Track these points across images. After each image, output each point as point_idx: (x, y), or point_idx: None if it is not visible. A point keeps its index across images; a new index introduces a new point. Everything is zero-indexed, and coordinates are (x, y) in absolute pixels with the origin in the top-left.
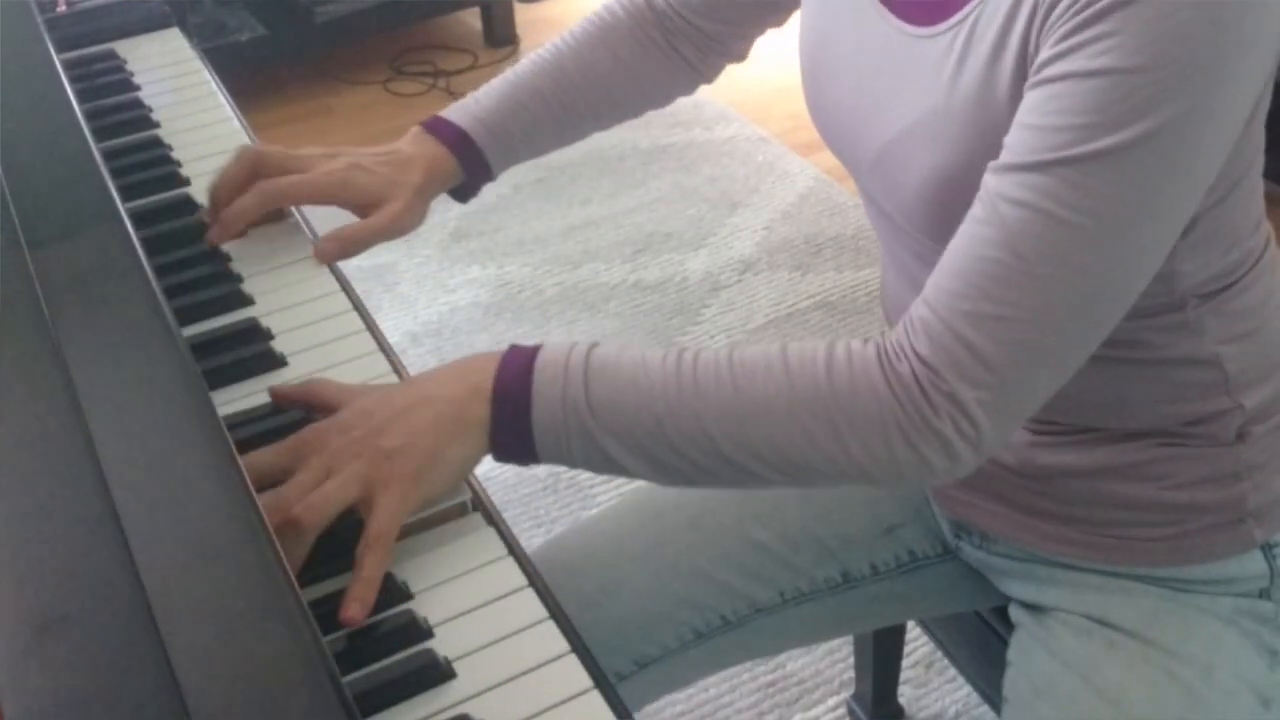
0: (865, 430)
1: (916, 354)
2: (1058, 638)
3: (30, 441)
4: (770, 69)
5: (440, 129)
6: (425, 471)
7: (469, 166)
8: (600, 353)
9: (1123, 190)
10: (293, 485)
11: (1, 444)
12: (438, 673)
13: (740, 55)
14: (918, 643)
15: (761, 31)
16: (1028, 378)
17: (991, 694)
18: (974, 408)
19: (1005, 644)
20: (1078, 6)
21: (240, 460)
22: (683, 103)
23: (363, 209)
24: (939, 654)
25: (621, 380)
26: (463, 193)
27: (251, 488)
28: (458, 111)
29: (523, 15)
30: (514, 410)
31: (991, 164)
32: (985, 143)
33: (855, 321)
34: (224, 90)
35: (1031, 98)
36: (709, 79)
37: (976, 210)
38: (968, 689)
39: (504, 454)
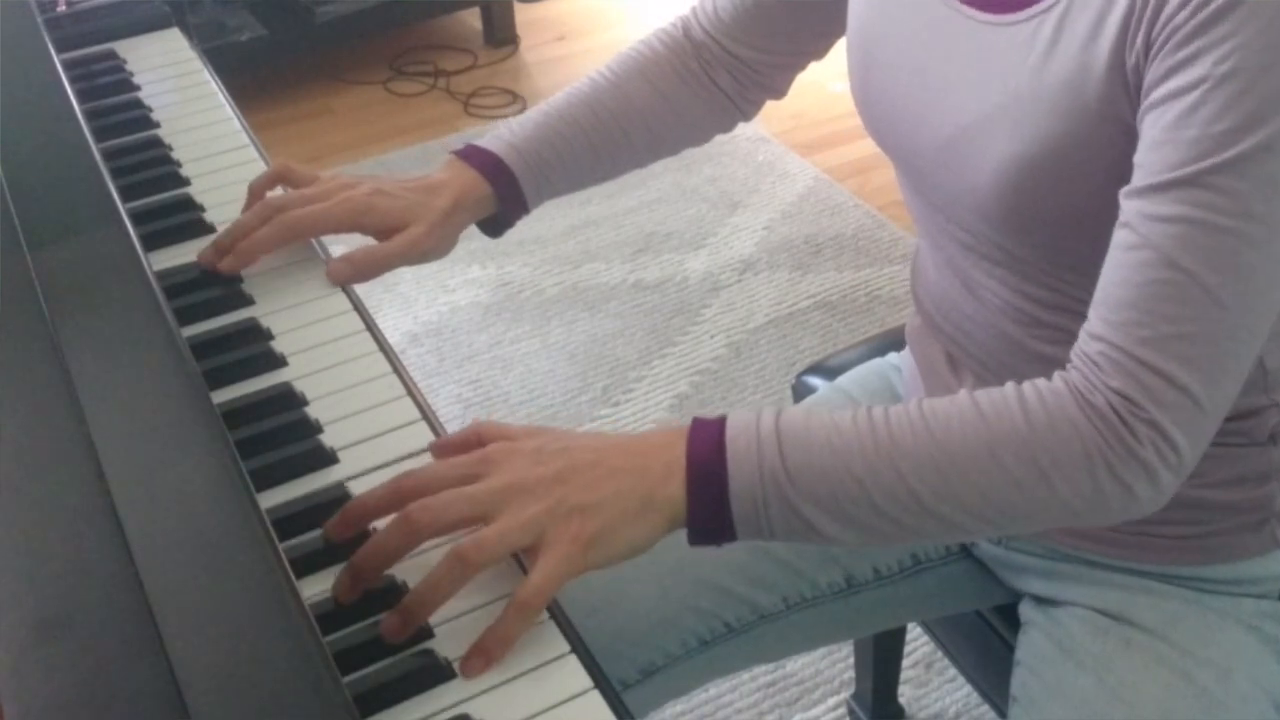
0: (1070, 467)
1: (1109, 387)
2: (1072, 635)
3: (30, 441)
4: None
5: (473, 155)
6: (601, 542)
7: (503, 194)
8: (788, 418)
9: (1273, 185)
10: (465, 496)
11: (1, 444)
12: (438, 673)
13: (779, 90)
14: (918, 643)
15: (802, 64)
16: (1218, 388)
17: (992, 694)
18: (1172, 430)
19: (1007, 643)
20: (1190, 10)
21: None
22: None
23: (385, 234)
24: (939, 654)
25: (816, 443)
26: (496, 226)
27: (252, 487)
28: (492, 139)
29: (523, 15)
30: (711, 486)
31: (1128, 189)
32: (1072, 128)
33: (855, 321)
34: (224, 90)
35: (1156, 116)
36: (747, 116)
37: (1126, 237)
38: (968, 689)
39: (699, 533)
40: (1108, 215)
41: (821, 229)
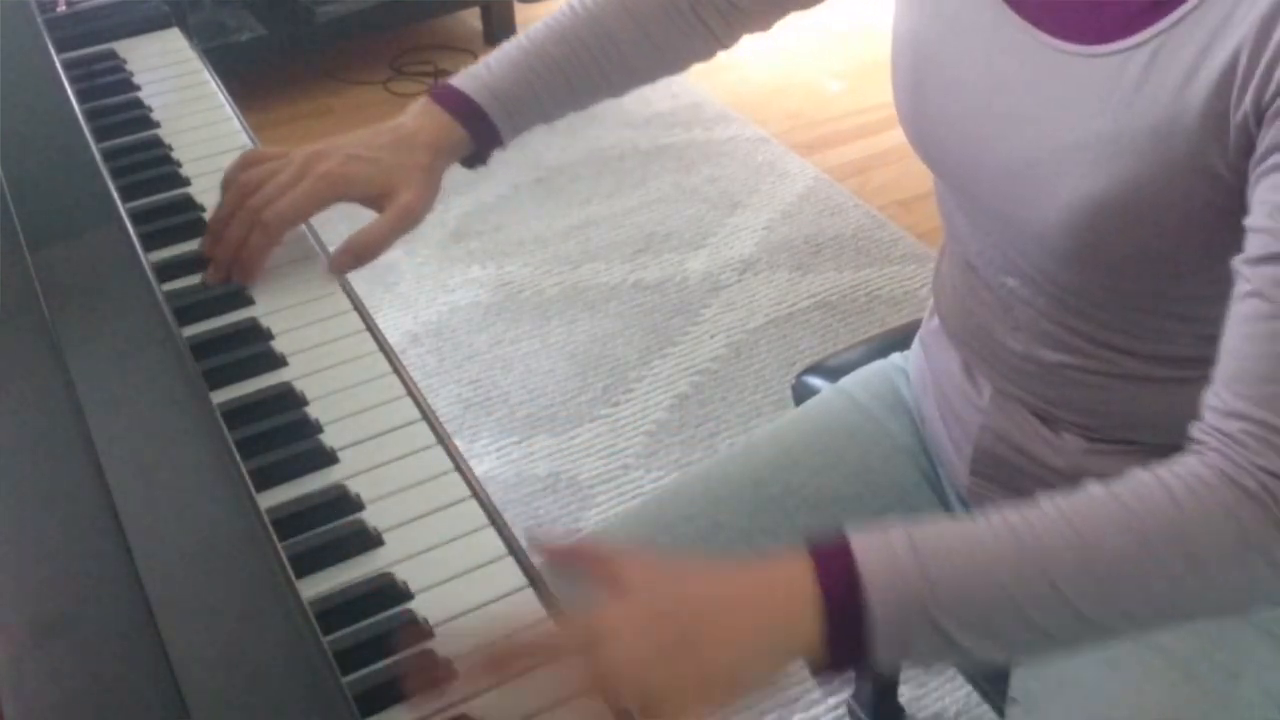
0: (1226, 555)
1: (1259, 467)
2: None
3: (30, 441)
4: (769, 69)
5: (449, 98)
6: (730, 693)
7: (478, 137)
8: (922, 535)
9: None
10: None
11: (1, 444)
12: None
13: (765, 26)
14: None
15: (787, 12)
16: None
17: (992, 694)
18: None
19: None
20: None
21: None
22: (683, 102)
23: (370, 201)
24: None
25: (958, 559)
26: (472, 160)
27: (252, 487)
28: (468, 79)
29: (523, 15)
30: (851, 618)
31: (1255, 255)
32: (1155, 173)
33: (855, 321)
34: (224, 90)
35: (1277, 180)
36: (728, 46)
37: (1258, 307)
38: (968, 689)
39: (833, 667)
40: (1181, 256)
41: (821, 229)
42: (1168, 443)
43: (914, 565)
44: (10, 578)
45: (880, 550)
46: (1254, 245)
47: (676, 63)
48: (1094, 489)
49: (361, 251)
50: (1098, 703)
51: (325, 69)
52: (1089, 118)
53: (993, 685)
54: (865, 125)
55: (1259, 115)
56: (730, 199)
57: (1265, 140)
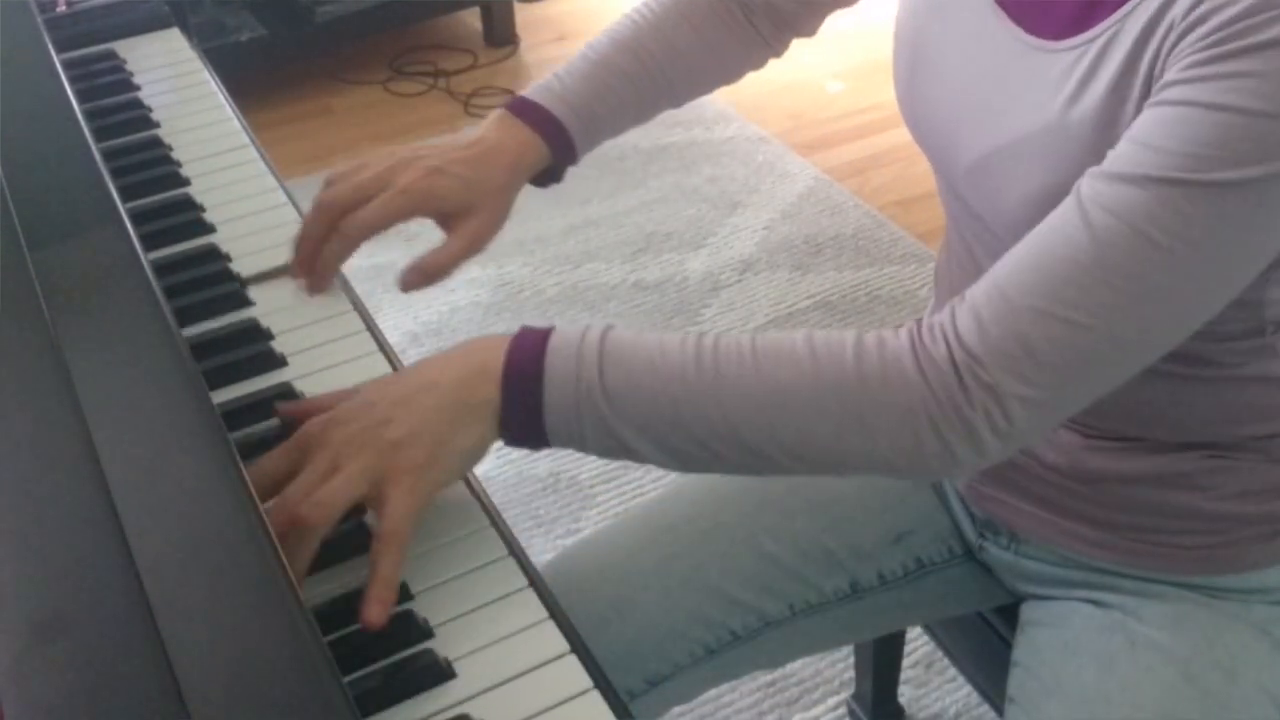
0: (894, 422)
1: (959, 338)
2: (1075, 634)
3: (30, 441)
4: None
5: (527, 112)
6: (434, 460)
7: (557, 151)
8: (616, 335)
9: (1221, 224)
10: (297, 485)
11: (1, 444)
12: (438, 673)
13: (812, 31)
14: (918, 643)
15: (833, 8)
16: (1076, 384)
17: (992, 694)
18: (1012, 402)
19: (1007, 644)
20: (1217, 38)
21: (244, 466)
22: None
23: (446, 218)
24: (939, 654)
25: (638, 364)
26: (544, 177)
27: (252, 488)
28: (543, 93)
29: (523, 15)
30: (525, 392)
31: (1095, 169)
32: (1097, 162)
33: (855, 321)
34: (224, 90)
35: (1151, 115)
36: (779, 53)
37: (1069, 210)
38: (968, 689)
39: (513, 437)
40: None
41: (821, 229)
42: (1165, 439)
43: (595, 360)
44: (10, 578)
45: (571, 339)
46: (1105, 161)
47: (735, 71)
48: (800, 334)
49: (433, 272)
50: (1095, 702)
51: (325, 69)
52: (1040, 110)
53: (993, 685)
54: (865, 125)
55: (1167, 62)
56: (730, 199)
57: (1163, 80)
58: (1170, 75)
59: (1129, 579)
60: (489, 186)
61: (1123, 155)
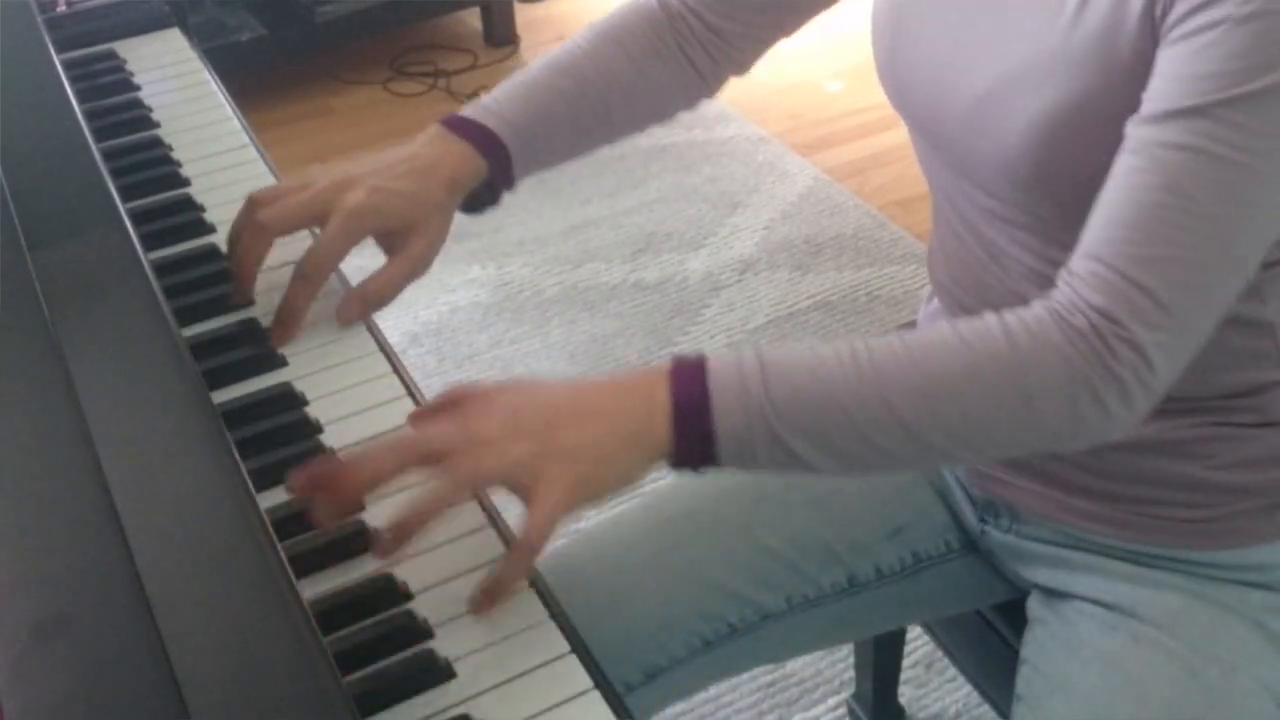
0: (1052, 388)
1: (1091, 306)
2: (1079, 632)
3: (30, 441)
4: (769, 69)
5: (462, 127)
6: (592, 480)
7: (494, 168)
8: (771, 353)
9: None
10: (445, 432)
11: (1, 444)
12: (438, 673)
13: (745, 66)
14: (918, 643)
15: (773, 39)
16: (1199, 315)
17: (992, 693)
18: (1151, 350)
19: (1007, 643)
20: None
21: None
22: None
23: (387, 237)
24: (939, 654)
25: (800, 375)
26: (477, 202)
27: (252, 487)
28: (478, 110)
29: (523, 15)
30: (697, 423)
31: (1138, 116)
32: (1103, 80)
33: (855, 321)
34: (224, 90)
35: (1178, 50)
36: (711, 92)
37: (1130, 162)
38: (968, 689)
39: (681, 463)
40: None
41: (821, 229)
42: (1171, 408)
43: (759, 379)
44: (10, 578)
45: (731, 366)
46: (1144, 109)
47: (665, 105)
48: (942, 325)
49: (374, 299)
50: (1100, 699)
51: (325, 69)
52: (1039, 39)
53: (993, 685)
54: (865, 125)
55: None
56: (730, 199)
57: (1171, 17)
58: (1177, 13)
59: (1127, 562)
60: (427, 202)
61: (1165, 93)
